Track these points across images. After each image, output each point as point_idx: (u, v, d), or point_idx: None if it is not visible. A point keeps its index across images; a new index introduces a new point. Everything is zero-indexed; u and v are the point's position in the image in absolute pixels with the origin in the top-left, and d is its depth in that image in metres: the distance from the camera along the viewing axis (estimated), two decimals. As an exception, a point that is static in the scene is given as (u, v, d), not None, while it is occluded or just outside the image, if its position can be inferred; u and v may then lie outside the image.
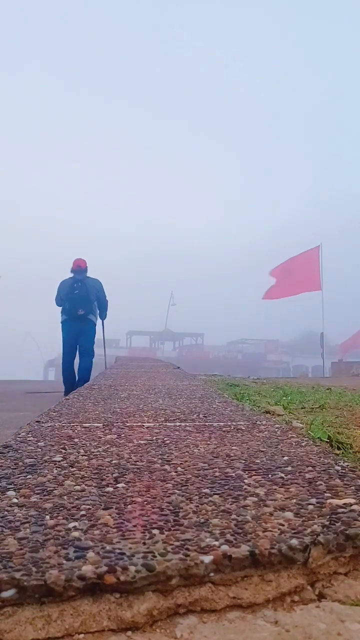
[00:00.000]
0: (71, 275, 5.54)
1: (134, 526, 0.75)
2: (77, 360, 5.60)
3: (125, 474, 1.05)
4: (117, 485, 0.97)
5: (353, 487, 0.94)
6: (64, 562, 0.62)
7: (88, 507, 0.84)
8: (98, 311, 5.67)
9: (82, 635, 0.55)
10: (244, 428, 1.67)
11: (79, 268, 5.48)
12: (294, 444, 1.39)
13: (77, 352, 5.56)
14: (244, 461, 1.17)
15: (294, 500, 0.86)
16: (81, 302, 5.26)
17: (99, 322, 5.83)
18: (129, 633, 0.56)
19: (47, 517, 0.79)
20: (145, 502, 0.86)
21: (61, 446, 1.35)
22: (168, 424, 1.77)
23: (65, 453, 1.26)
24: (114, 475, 1.05)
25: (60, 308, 5.53)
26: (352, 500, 0.85)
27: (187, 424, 1.75)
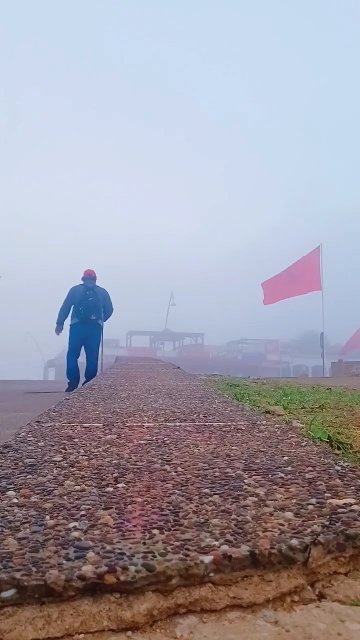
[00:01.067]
0: (81, 282, 6.13)
1: (134, 526, 0.75)
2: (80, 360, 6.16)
3: (125, 474, 1.05)
4: (117, 485, 0.97)
5: (353, 487, 0.94)
6: (64, 562, 0.62)
7: (88, 507, 0.84)
8: (103, 314, 6.31)
9: (82, 635, 0.55)
10: (244, 428, 1.67)
11: (90, 277, 6.13)
12: (294, 444, 1.38)
13: (84, 351, 6.17)
14: (244, 461, 1.17)
15: (294, 500, 0.86)
16: (93, 308, 5.94)
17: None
18: (129, 633, 0.56)
19: (47, 517, 0.79)
20: (145, 502, 0.86)
21: (61, 446, 1.35)
22: (168, 424, 1.77)
23: (65, 453, 1.26)
24: (114, 475, 1.05)
25: (68, 310, 6.13)
26: (352, 500, 0.85)
27: (187, 424, 1.75)
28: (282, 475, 1.04)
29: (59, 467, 1.11)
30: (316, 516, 0.78)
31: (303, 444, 1.38)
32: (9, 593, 0.57)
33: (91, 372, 6.09)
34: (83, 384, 5.61)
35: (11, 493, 0.92)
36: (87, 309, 5.89)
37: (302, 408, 2.60)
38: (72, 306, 6.03)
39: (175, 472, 1.07)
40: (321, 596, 0.63)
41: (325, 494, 0.90)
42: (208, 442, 1.41)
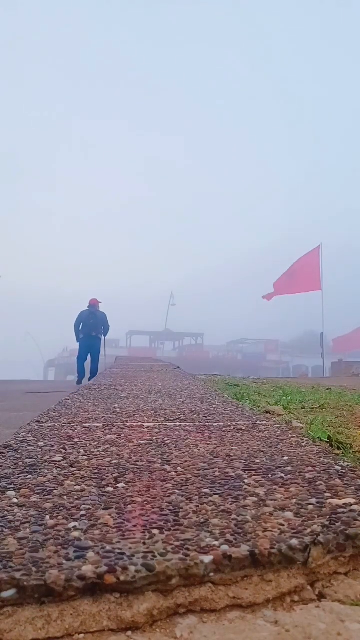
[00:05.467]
0: (87, 308, 8.38)
1: (134, 526, 0.75)
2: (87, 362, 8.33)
3: (125, 474, 1.05)
4: (117, 485, 0.97)
5: (353, 487, 0.94)
6: (64, 562, 0.62)
7: (88, 507, 0.84)
8: (103, 331, 8.70)
9: (82, 635, 0.55)
10: (244, 428, 1.67)
11: (93, 305, 8.37)
12: (294, 444, 1.38)
13: (89, 357, 8.50)
14: (244, 461, 1.17)
15: (294, 500, 0.86)
16: (94, 327, 8.28)
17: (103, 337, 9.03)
18: (129, 633, 0.56)
19: (47, 517, 0.79)
20: (145, 502, 0.86)
21: (61, 446, 1.35)
22: (168, 424, 1.77)
23: (65, 453, 1.26)
24: (114, 475, 1.05)
25: (75, 325, 8.51)
26: (352, 500, 0.85)
27: (187, 424, 1.75)
28: (282, 475, 1.04)
29: (59, 467, 1.11)
30: (316, 516, 0.78)
31: (303, 444, 1.38)
32: (9, 593, 0.57)
33: (94, 370, 8.28)
34: (89, 378, 7.57)
35: (11, 493, 0.92)
36: (90, 328, 8.20)
37: (302, 408, 2.60)
38: (81, 324, 8.32)
39: (175, 472, 1.07)
40: (321, 596, 0.63)
41: (325, 494, 0.90)
42: (208, 442, 1.41)
